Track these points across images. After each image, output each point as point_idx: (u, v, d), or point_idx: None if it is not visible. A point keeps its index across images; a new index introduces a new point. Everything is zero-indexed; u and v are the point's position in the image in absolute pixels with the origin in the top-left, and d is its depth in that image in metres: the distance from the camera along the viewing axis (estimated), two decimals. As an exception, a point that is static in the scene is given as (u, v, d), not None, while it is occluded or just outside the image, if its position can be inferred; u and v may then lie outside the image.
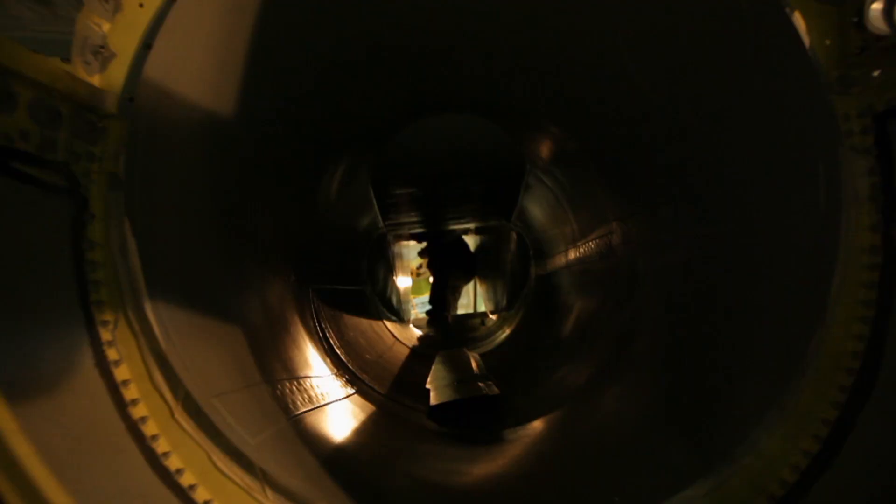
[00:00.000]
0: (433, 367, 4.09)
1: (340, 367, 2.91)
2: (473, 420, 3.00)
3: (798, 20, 1.44)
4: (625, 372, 2.20)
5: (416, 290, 13.24)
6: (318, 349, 2.72)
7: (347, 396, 2.53)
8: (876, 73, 1.38)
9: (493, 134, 3.82)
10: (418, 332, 7.16)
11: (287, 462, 1.37)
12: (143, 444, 1.15)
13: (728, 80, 1.70)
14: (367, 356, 3.82)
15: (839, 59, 1.44)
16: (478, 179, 5.44)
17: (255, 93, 1.78)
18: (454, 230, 9.11)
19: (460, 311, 9.62)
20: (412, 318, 9.48)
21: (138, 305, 1.22)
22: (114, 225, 1.26)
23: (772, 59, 1.51)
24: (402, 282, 9.70)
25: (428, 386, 3.52)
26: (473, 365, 4.34)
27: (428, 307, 9.40)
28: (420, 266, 12.09)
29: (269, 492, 1.22)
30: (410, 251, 11.09)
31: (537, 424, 2.47)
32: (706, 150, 1.93)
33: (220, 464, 1.21)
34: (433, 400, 3.18)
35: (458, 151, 4.30)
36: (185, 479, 1.17)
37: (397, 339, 5.37)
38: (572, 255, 3.97)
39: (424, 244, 9.60)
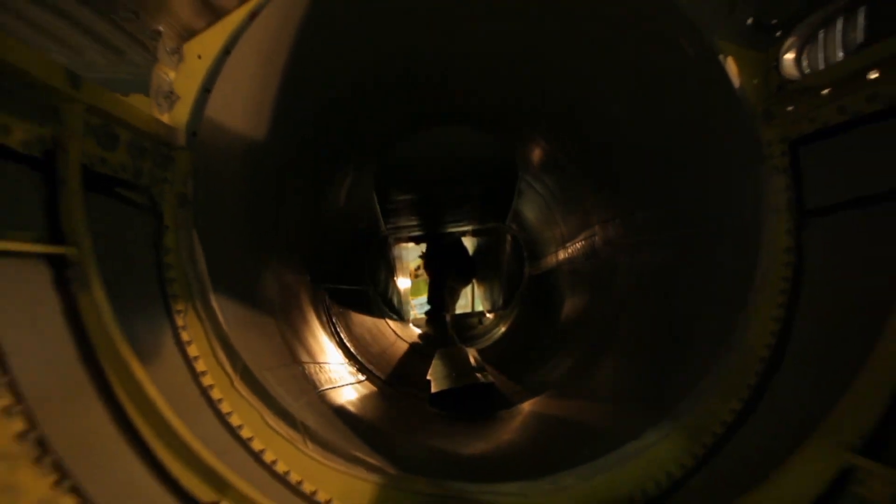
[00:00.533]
0: (433, 362, 4.41)
1: (350, 358, 3.24)
2: (470, 406, 3.32)
3: (731, 65, 1.78)
4: (604, 356, 2.54)
5: (414, 291, 13.50)
6: (332, 341, 3.05)
7: (359, 382, 2.86)
8: (790, 109, 1.72)
9: (488, 144, 4.16)
10: (418, 331, 7.45)
11: (321, 423, 1.69)
12: (212, 406, 1.48)
13: (681, 113, 2.04)
14: (373, 350, 4.14)
15: (765, 96, 1.78)
16: (475, 184, 5.79)
17: (285, 120, 2.11)
18: (452, 233, 9.37)
19: (459, 311, 9.90)
20: (412, 318, 9.72)
21: (205, 298, 1.55)
22: (182, 235, 1.59)
23: (710, 95, 1.85)
24: (403, 283, 9.96)
25: (429, 377, 3.84)
26: (471, 359, 4.67)
27: (426, 308, 9.68)
28: (418, 268, 12.34)
29: (309, 443, 1.54)
30: (410, 253, 11.37)
31: (527, 405, 2.80)
32: (666, 168, 2.27)
33: (270, 422, 1.54)
34: (434, 388, 3.50)
35: (456, 159, 4.65)
36: (245, 433, 1.50)
37: (399, 337, 5.68)
38: (562, 255, 4.30)
39: (423, 247, 9.84)
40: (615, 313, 2.66)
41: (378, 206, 5.40)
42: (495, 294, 9.05)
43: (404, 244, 10.10)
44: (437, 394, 3.44)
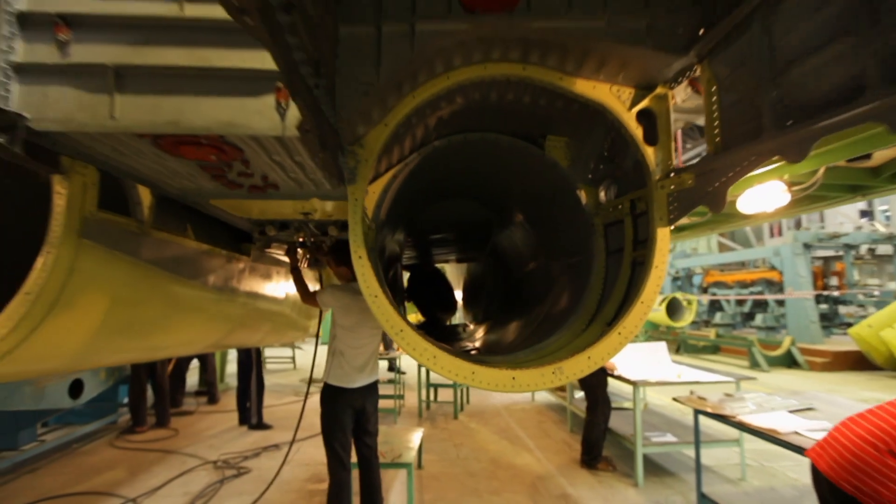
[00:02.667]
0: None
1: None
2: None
3: (582, 194, 4.52)
4: (537, 317, 5.18)
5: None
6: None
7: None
8: (603, 212, 4.43)
9: (476, 208, 6.88)
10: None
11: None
12: (389, 325, 3.99)
13: (564, 213, 4.77)
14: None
15: (595, 207, 4.50)
16: (462, 231, 8.53)
17: (394, 210, 4.71)
18: (435, 261, 11.77)
19: (447, 323, 12.25)
20: (410, 329, 11.87)
21: (383, 286, 4.06)
22: (373, 258, 4.11)
23: (574, 205, 4.56)
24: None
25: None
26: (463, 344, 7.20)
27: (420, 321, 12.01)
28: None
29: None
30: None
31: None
32: (563, 232, 5.00)
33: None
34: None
35: (453, 216, 7.37)
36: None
37: (412, 334, 8.14)
38: (526, 270, 6.98)
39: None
40: (546, 293, 5.33)
41: (399, 247, 8.00)
42: (476, 310, 11.43)
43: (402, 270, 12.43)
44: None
